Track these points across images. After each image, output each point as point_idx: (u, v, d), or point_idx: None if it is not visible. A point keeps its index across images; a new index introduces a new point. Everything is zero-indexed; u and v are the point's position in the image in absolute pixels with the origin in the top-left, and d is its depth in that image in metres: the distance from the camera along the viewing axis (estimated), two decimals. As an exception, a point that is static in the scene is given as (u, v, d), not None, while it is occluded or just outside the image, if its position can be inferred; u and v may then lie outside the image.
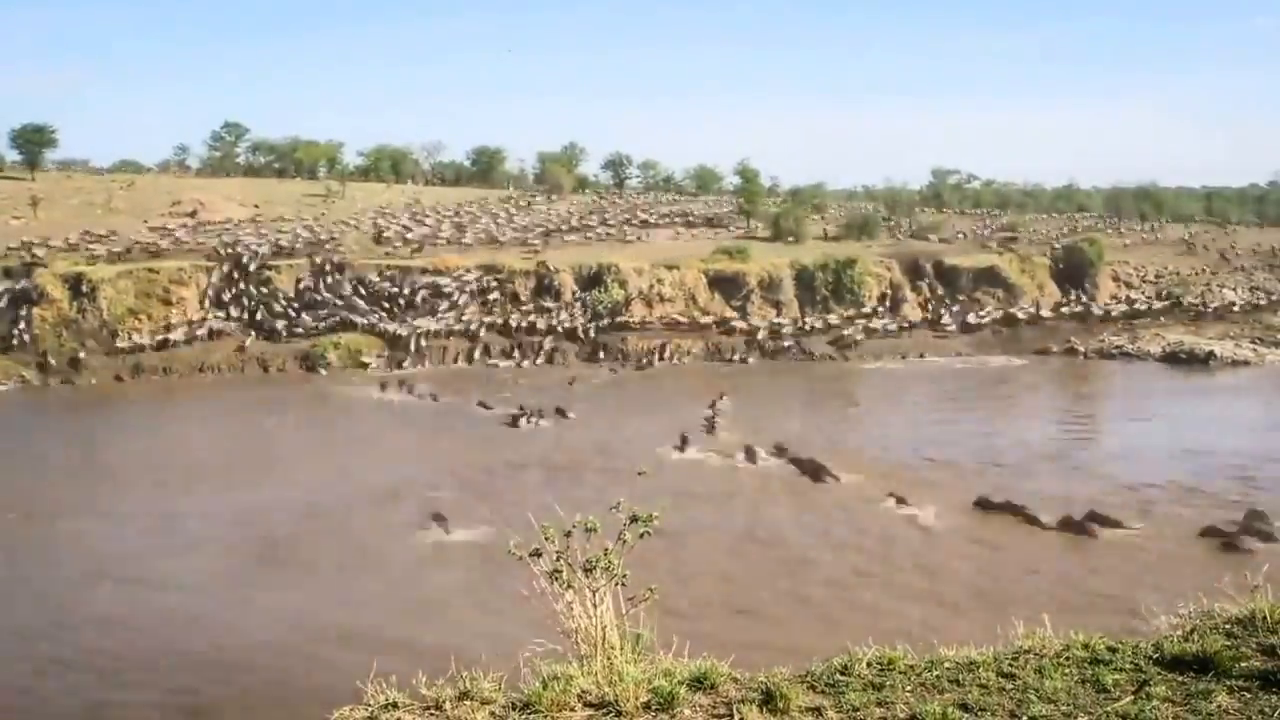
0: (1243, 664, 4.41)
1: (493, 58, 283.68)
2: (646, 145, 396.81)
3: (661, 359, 56.28)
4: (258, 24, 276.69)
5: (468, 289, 59.27)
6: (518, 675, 4.39)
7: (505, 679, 4.37)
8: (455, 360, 55.22)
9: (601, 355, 56.23)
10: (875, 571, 23.98)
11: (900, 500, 28.41)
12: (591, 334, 57.36)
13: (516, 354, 55.94)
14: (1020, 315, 63.63)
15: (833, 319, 60.82)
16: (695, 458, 34.79)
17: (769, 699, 4.14)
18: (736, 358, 57.04)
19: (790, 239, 72.87)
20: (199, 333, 54.61)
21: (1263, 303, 68.10)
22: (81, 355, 51.95)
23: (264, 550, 25.62)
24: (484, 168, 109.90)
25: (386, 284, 59.06)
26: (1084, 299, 66.64)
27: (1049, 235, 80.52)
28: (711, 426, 39.38)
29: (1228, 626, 4.92)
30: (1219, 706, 4.07)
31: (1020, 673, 4.45)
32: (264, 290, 57.68)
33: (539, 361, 55.51)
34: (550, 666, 4.34)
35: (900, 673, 4.47)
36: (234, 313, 56.34)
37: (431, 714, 4.18)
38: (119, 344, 53.15)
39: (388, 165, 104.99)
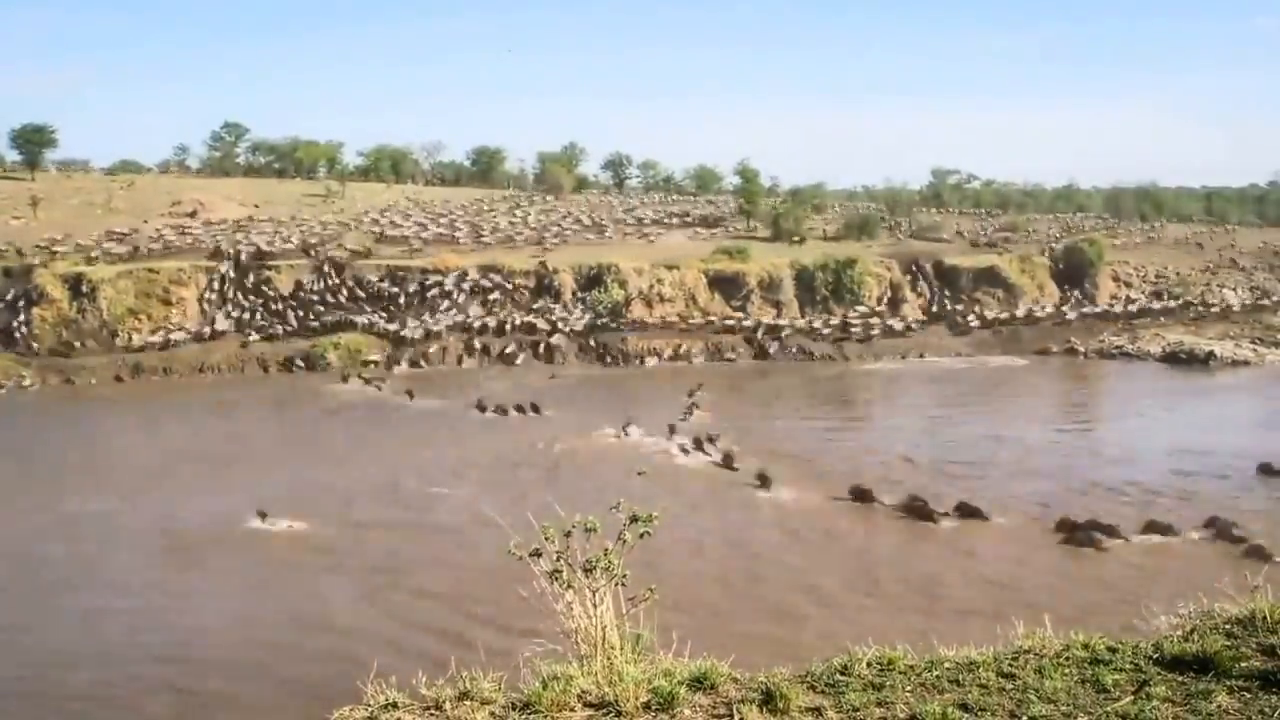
0: (1243, 664, 4.41)
1: (493, 58, 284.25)
2: (646, 145, 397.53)
3: (661, 359, 56.27)
4: (258, 24, 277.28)
5: (467, 289, 59.28)
6: (518, 675, 4.38)
7: (505, 679, 4.37)
8: (459, 360, 55.22)
9: (601, 355, 56.23)
10: (693, 539, 25.62)
11: (764, 483, 30.45)
12: (591, 334, 57.37)
13: (515, 354, 55.95)
14: (1020, 315, 63.67)
15: (833, 319, 60.84)
16: (632, 445, 36.41)
17: (769, 699, 4.14)
18: (736, 357, 57.07)
19: (790, 239, 72.90)
20: (199, 332, 54.63)
21: (1263, 303, 68.14)
22: (81, 355, 51.98)
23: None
24: (484, 168, 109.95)
25: (386, 284, 59.08)
26: (1084, 299, 66.69)
27: (1049, 235, 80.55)
28: (688, 416, 41.08)
29: (1228, 626, 4.92)
30: (1219, 706, 4.07)
31: (1020, 673, 4.45)
32: (264, 290, 57.70)
33: (538, 361, 55.53)
34: (550, 666, 4.34)
35: (900, 673, 4.46)
36: (234, 313, 56.36)
37: (431, 714, 4.17)
38: (119, 344, 53.19)
39: (388, 165, 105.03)
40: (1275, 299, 69.08)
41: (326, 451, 37.24)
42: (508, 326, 57.40)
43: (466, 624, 20.00)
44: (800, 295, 62.40)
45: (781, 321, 60.38)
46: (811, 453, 36.20)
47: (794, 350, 58.19)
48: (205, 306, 56.37)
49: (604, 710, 4.09)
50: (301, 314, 56.77)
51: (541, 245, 68.58)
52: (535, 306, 59.24)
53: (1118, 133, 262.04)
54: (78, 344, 52.73)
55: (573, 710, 4.11)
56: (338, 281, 58.93)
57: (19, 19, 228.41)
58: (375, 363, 53.94)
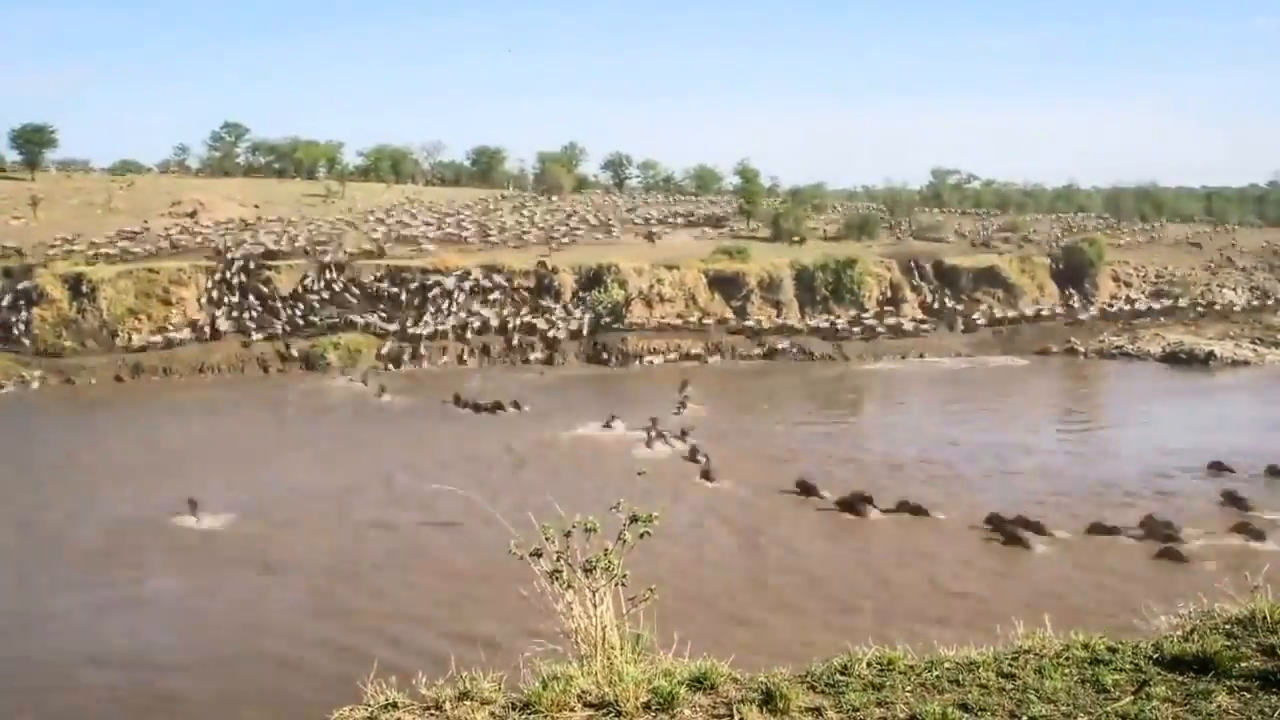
0: (1243, 664, 4.41)
1: (493, 58, 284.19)
2: (646, 145, 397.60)
3: (660, 359, 56.25)
4: (258, 24, 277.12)
5: (468, 289, 59.29)
6: (518, 675, 4.39)
7: (505, 679, 4.37)
8: (460, 360, 55.22)
9: (601, 355, 56.22)
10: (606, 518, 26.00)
11: (706, 474, 31.40)
12: (591, 334, 57.37)
13: (516, 354, 55.97)
14: (1020, 315, 63.67)
15: (833, 319, 60.85)
16: (609, 440, 37.05)
17: (769, 699, 4.14)
18: (736, 357, 57.07)
19: (790, 239, 72.91)
20: (199, 332, 54.63)
21: (1263, 303, 68.16)
22: (81, 355, 51.99)
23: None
24: (484, 168, 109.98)
25: (386, 284, 59.08)
26: (1084, 299, 66.69)
27: (1049, 235, 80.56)
28: (680, 411, 42.15)
29: (1228, 626, 4.92)
30: (1219, 706, 4.08)
31: (1020, 673, 4.46)
32: (264, 290, 57.70)
33: (538, 361, 55.54)
34: (550, 666, 4.34)
35: (900, 673, 4.47)
36: (234, 313, 56.35)
37: (431, 714, 4.18)
38: (119, 344, 53.19)
39: (388, 165, 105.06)
40: (1275, 299, 69.10)
41: (305, 451, 37.21)
42: (508, 326, 57.42)
43: (385, 624, 20.50)
44: (800, 295, 62.40)
45: (781, 321, 60.40)
46: (782, 449, 36.64)
47: (794, 350, 58.20)
48: (205, 306, 56.37)
49: (604, 710, 4.10)
50: (302, 314, 56.77)
51: (547, 245, 68.58)
52: (535, 306, 59.26)
53: (1118, 133, 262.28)
54: (78, 344, 52.73)
55: (573, 710, 4.11)
56: (338, 281, 58.93)
57: (19, 20, 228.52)
58: (380, 365, 53.93)
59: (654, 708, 4.11)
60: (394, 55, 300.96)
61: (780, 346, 58.24)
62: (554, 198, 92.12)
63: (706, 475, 31.51)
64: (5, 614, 21.90)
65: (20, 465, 35.69)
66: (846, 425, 42.78)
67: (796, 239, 72.86)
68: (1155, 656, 4.57)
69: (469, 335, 56.71)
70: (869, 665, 4.53)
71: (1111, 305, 66.74)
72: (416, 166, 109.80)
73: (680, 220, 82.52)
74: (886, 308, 63.13)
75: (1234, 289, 70.72)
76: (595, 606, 4.48)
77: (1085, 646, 4.71)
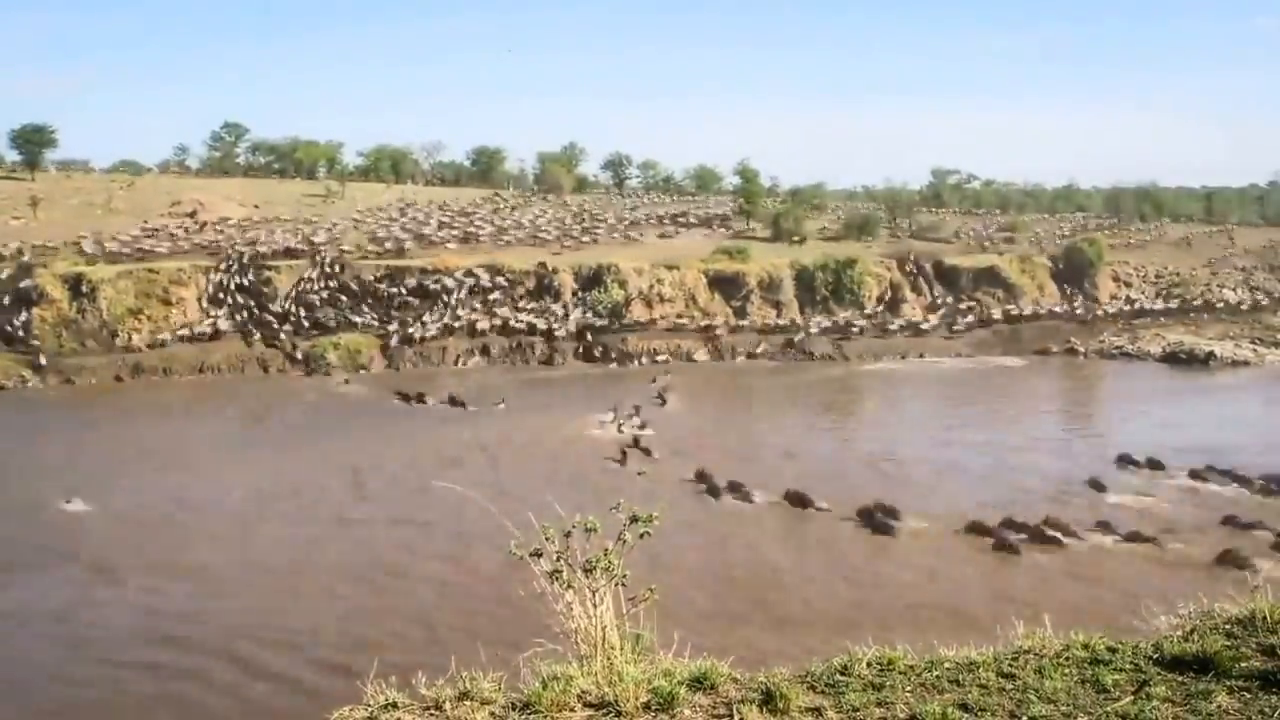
0: (1243, 664, 4.41)
1: (493, 58, 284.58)
2: (646, 145, 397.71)
3: (660, 359, 56.23)
4: (258, 24, 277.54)
5: (467, 289, 59.29)
6: (518, 675, 4.39)
7: (505, 679, 4.37)
8: (460, 361, 55.20)
9: (600, 355, 56.21)
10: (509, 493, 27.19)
11: (623, 459, 33.50)
12: (591, 334, 57.36)
13: (515, 354, 55.96)
14: (1020, 315, 63.69)
15: (833, 319, 60.84)
16: (574, 434, 38.25)
17: (769, 699, 4.14)
18: (736, 357, 57.06)
19: (790, 239, 72.91)
20: (199, 332, 54.62)
21: (1263, 303, 68.17)
22: (81, 356, 51.98)
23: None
24: (484, 168, 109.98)
25: (386, 284, 59.08)
26: (1084, 299, 66.70)
27: (1049, 235, 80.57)
28: (662, 402, 43.90)
29: (1228, 626, 4.92)
30: (1219, 706, 4.07)
31: (1020, 673, 4.46)
32: (264, 290, 57.69)
33: (538, 361, 55.53)
34: (550, 666, 4.34)
35: (900, 673, 4.47)
36: (234, 313, 56.33)
37: (431, 714, 4.18)
38: (119, 344, 53.19)
39: (388, 165, 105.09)
40: (1275, 299, 69.12)
41: (273, 451, 37.19)
42: (508, 326, 57.42)
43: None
44: (800, 295, 62.41)
45: (781, 321, 60.40)
46: (742, 445, 37.45)
47: (794, 350, 58.20)
48: (205, 306, 56.35)
49: (604, 710, 4.10)
50: (301, 314, 56.75)
51: (549, 245, 68.61)
52: (535, 306, 59.25)
53: (1118, 133, 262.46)
54: (78, 344, 52.71)
55: (573, 710, 4.11)
56: (338, 281, 58.93)
57: (20, 21, 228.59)
58: (387, 364, 53.95)
59: (654, 708, 4.11)
60: (394, 55, 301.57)
61: (780, 346, 58.23)
62: (554, 197, 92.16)
63: (623, 459, 33.58)
64: None
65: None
66: (825, 425, 42.74)
67: (796, 239, 72.86)
68: (1155, 656, 4.57)
69: (469, 335, 56.69)
70: (869, 665, 4.53)
71: (1111, 305, 66.75)
72: (416, 166, 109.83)
73: (682, 221, 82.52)
74: (886, 308, 63.15)
75: (1234, 289, 70.74)
76: (595, 606, 4.48)
77: (1085, 646, 4.71)
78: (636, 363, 55.78)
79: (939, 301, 64.36)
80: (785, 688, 4.19)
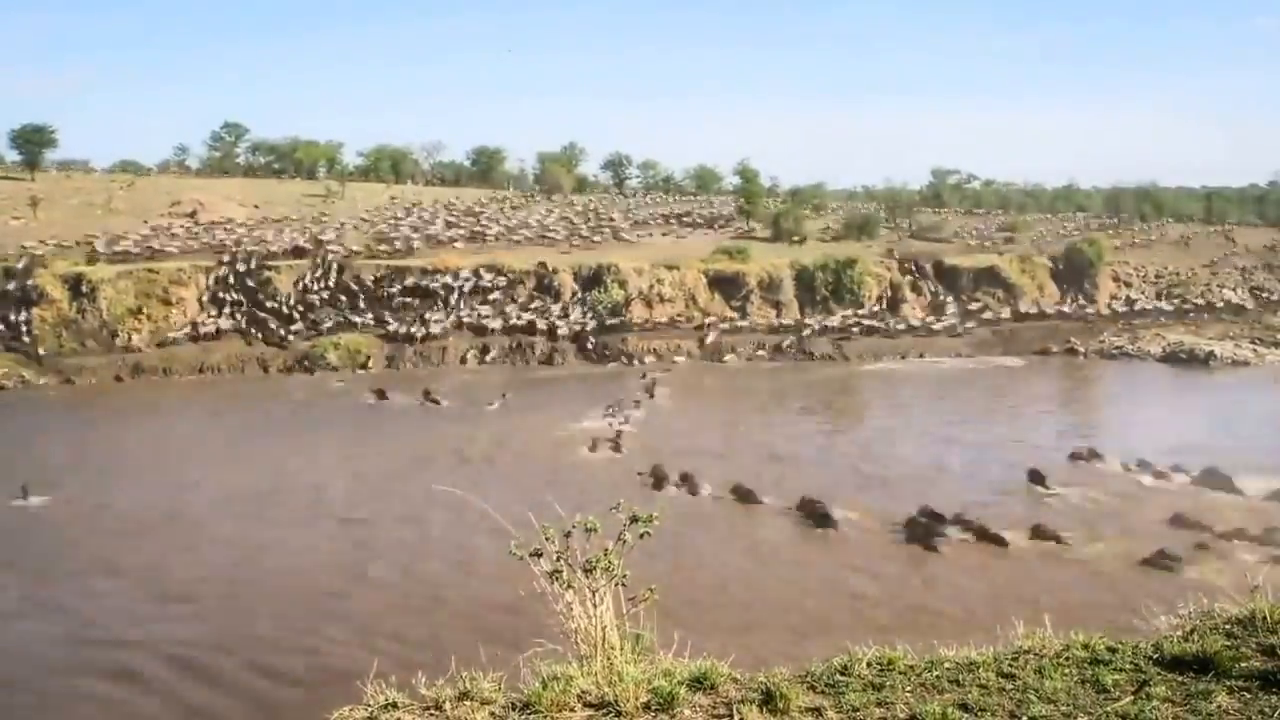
0: (1243, 664, 4.41)
1: (493, 58, 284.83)
2: (646, 145, 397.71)
3: (660, 358, 56.23)
4: (258, 24, 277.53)
5: (468, 289, 59.30)
6: (518, 675, 4.39)
7: (505, 679, 4.37)
8: (461, 360, 55.22)
9: (600, 355, 56.20)
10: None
11: (593, 447, 34.77)
12: (591, 334, 57.36)
13: (515, 353, 55.95)
14: (1020, 315, 63.67)
15: (833, 319, 60.83)
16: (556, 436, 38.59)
17: (769, 699, 4.14)
18: (735, 357, 57.03)
19: (790, 239, 72.91)
20: (199, 333, 54.63)
21: (1263, 303, 68.17)
22: (82, 356, 51.99)
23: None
24: (484, 168, 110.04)
25: (386, 284, 59.09)
26: (1084, 299, 66.69)
27: (1049, 235, 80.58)
28: (652, 397, 44.67)
29: (1228, 626, 4.92)
30: (1219, 706, 4.07)
31: (1020, 673, 4.46)
32: (264, 290, 57.69)
33: (538, 361, 55.53)
34: (550, 666, 4.34)
35: (900, 673, 4.47)
36: (234, 313, 56.33)
37: (431, 714, 4.18)
38: (119, 344, 53.19)
39: (388, 165, 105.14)
40: (1275, 299, 69.11)
41: (255, 449, 37.20)
42: (508, 326, 57.42)
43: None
44: (800, 295, 62.41)
45: (782, 321, 60.39)
46: (721, 444, 37.59)
47: (794, 350, 58.19)
48: (205, 306, 56.36)
49: (604, 710, 4.10)
50: (302, 314, 56.75)
51: (556, 245, 68.64)
52: (535, 306, 59.26)
53: (1118, 133, 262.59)
54: (78, 344, 52.71)
55: (573, 710, 4.11)
56: (338, 281, 58.93)
57: (20, 21, 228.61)
58: (388, 364, 53.96)
59: (654, 708, 4.11)
60: (394, 55, 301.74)
61: (780, 346, 58.23)
62: (554, 197, 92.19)
63: (593, 447, 34.99)
64: None
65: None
66: (815, 425, 42.45)
67: (796, 239, 72.86)
68: (1155, 656, 4.57)
69: (469, 335, 56.70)
70: (869, 665, 4.53)
71: (1111, 305, 66.75)
72: (416, 166, 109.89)
73: (682, 221, 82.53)
74: (886, 308, 63.14)
75: (1234, 289, 70.72)
76: (595, 606, 4.48)
77: (1085, 646, 4.71)
78: (637, 362, 55.75)
79: (939, 301, 64.35)
80: (785, 688, 4.19)
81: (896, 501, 28.10)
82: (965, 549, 24.48)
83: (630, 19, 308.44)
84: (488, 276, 60.07)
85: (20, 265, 56.67)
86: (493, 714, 4.13)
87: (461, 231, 71.74)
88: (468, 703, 4.19)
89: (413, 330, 56.11)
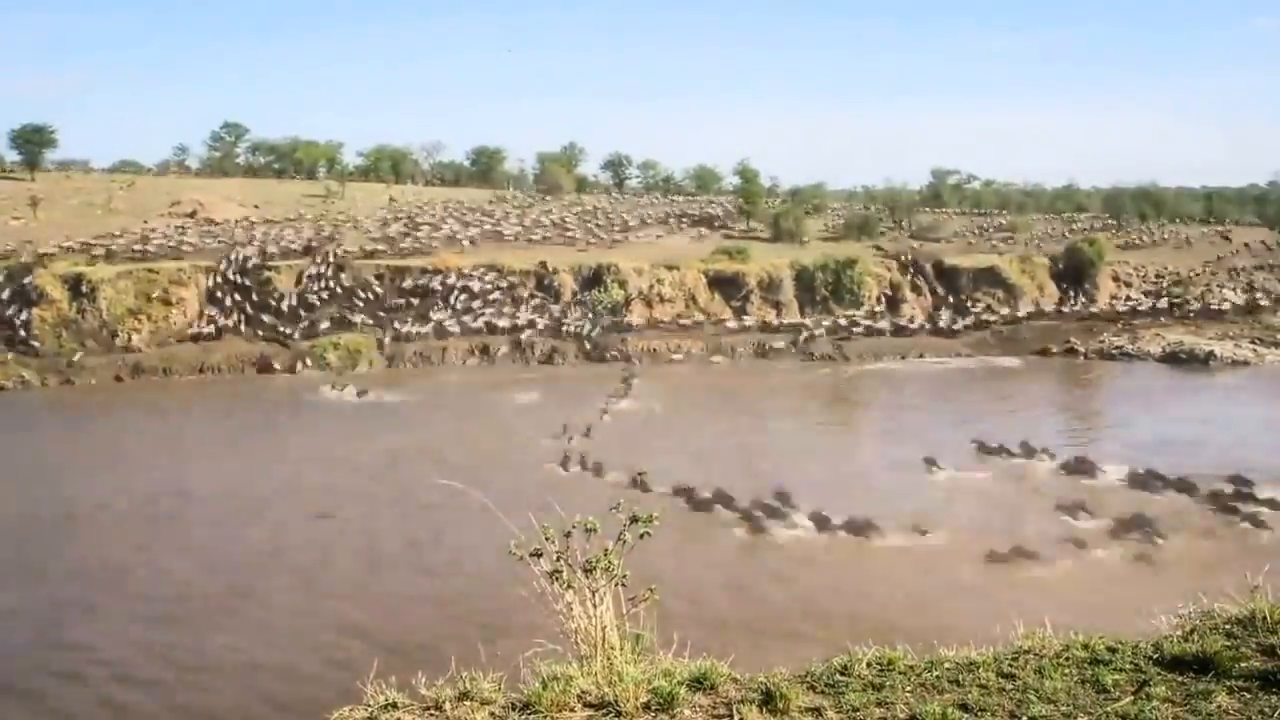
0: (1243, 664, 4.41)
1: (493, 58, 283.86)
2: (646, 145, 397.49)
3: (659, 358, 56.22)
4: (257, 24, 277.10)
5: (467, 289, 59.27)
6: (518, 675, 4.38)
7: (505, 679, 4.37)
8: (463, 360, 55.19)
9: (600, 354, 56.19)
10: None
11: (570, 438, 36.13)
12: (591, 334, 57.37)
13: (515, 353, 55.96)
14: (1020, 315, 63.61)
15: (833, 319, 60.80)
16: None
17: (769, 699, 4.14)
18: (735, 357, 57.03)
19: (790, 239, 72.88)
20: (199, 333, 54.61)
21: (1263, 303, 68.10)
22: (82, 356, 51.97)
23: None
24: (484, 168, 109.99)
25: (386, 284, 59.08)
26: (1084, 299, 66.64)
27: (1049, 235, 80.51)
28: (627, 395, 45.45)
29: (1228, 626, 4.91)
30: (1219, 706, 4.07)
31: (1020, 673, 4.45)
32: (264, 290, 57.68)
33: (537, 361, 55.52)
34: (550, 667, 4.34)
35: (900, 673, 4.46)
36: (234, 313, 56.32)
37: (431, 714, 4.17)
38: (119, 344, 53.17)
39: (387, 165, 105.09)
40: (1275, 299, 69.05)
41: (225, 452, 37.26)
42: (508, 326, 57.41)
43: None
44: (800, 295, 62.40)
45: (781, 321, 60.37)
46: (691, 445, 37.45)
47: (794, 350, 58.18)
48: (205, 306, 56.34)
49: (604, 710, 4.09)
50: (301, 314, 56.74)
51: (542, 245, 68.58)
52: (536, 306, 59.25)
53: (1118, 133, 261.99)
54: (78, 344, 52.70)
55: (573, 710, 4.11)
56: (338, 282, 58.92)
57: (20, 22, 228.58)
58: (387, 364, 53.93)
59: (654, 708, 4.11)
60: (394, 55, 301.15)
61: (780, 347, 58.22)
62: (553, 197, 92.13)
63: (570, 437, 36.39)
64: None
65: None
66: (803, 425, 42.24)
67: (797, 239, 72.83)
68: (1155, 656, 4.57)
69: (469, 335, 56.66)
70: (869, 665, 4.53)
71: (1112, 305, 66.71)
72: (416, 166, 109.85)
73: (681, 221, 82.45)
74: (886, 308, 63.12)
75: (1234, 289, 70.64)
76: (595, 606, 4.48)
77: (1085, 647, 4.70)
78: (637, 362, 55.75)
79: (939, 301, 64.33)
80: (785, 688, 4.18)
81: (826, 503, 27.86)
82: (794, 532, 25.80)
83: (630, 19, 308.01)
84: (488, 277, 60.06)
85: (20, 263, 56.72)
86: (493, 714, 4.12)
87: (461, 231, 71.58)
88: (468, 703, 4.19)
89: (413, 330, 56.11)
